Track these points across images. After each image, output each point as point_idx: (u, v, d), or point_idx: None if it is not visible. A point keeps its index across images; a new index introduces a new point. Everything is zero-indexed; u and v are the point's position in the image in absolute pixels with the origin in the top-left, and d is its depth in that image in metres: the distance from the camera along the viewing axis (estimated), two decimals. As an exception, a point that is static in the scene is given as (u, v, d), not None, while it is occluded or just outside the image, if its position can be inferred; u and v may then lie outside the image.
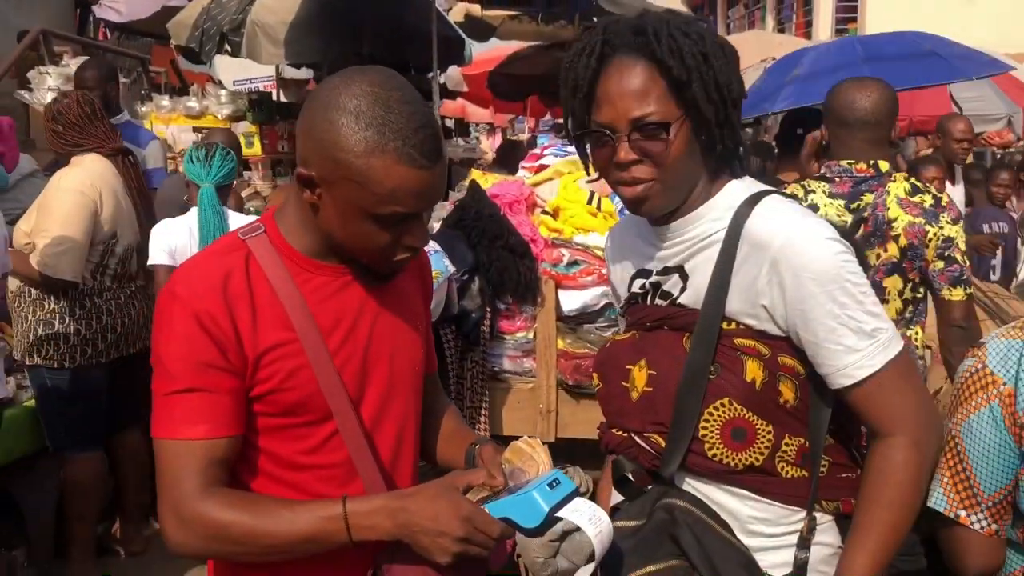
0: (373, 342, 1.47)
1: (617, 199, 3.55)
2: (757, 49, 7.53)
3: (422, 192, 1.32)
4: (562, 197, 3.61)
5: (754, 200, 1.46)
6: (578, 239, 3.48)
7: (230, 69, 10.93)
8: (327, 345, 1.41)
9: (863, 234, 2.61)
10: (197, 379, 1.32)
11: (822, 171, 2.73)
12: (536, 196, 3.74)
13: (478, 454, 1.52)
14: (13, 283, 3.50)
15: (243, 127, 7.46)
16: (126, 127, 4.84)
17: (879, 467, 1.41)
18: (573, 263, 3.45)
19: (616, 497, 1.61)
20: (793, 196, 2.58)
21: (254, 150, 7.42)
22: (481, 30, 8.22)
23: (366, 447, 1.44)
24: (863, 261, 1.48)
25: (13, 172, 4.37)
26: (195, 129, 7.62)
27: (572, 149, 4.21)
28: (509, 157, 7.47)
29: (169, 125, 7.47)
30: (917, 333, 2.73)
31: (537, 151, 4.47)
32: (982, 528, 1.47)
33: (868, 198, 2.63)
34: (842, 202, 2.65)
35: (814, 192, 2.69)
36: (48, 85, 6.53)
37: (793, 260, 1.38)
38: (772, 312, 1.42)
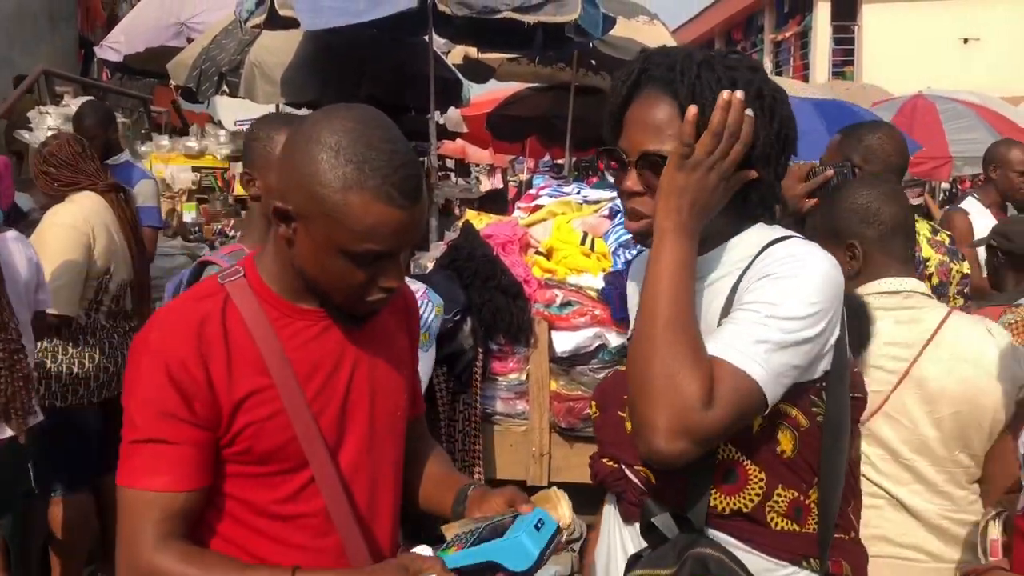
0: (353, 388, 1.45)
1: (611, 239, 3.55)
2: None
3: (399, 231, 1.31)
4: (556, 238, 3.61)
5: (776, 241, 1.42)
6: (571, 280, 3.46)
7: (231, 109, 11.02)
8: (304, 392, 1.38)
9: None
10: (159, 430, 1.31)
11: None
12: (530, 237, 3.73)
13: (473, 496, 1.50)
14: None
15: (242, 167, 7.50)
16: (123, 167, 4.85)
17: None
18: (566, 304, 3.42)
19: (606, 539, 1.57)
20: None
21: (252, 190, 7.44)
22: (479, 72, 8.29)
23: (343, 496, 1.41)
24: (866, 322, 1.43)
25: (8, 210, 4.37)
26: (194, 169, 7.68)
27: (567, 190, 4.25)
28: (492, 205, 7.51)
29: (168, 164, 7.52)
30: None
31: (533, 192, 4.48)
32: None
33: None
34: None
35: None
36: (48, 125, 6.59)
37: (791, 266, 1.34)
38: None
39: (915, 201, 5.28)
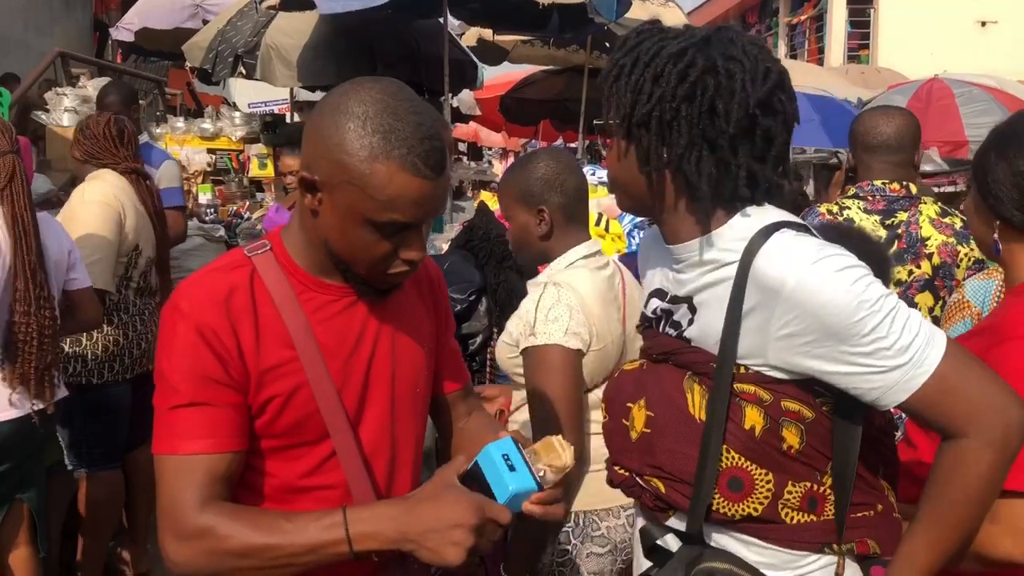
0: (375, 363, 1.46)
1: (625, 220, 3.56)
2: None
3: (422, 202, 1.31)
4: (570, 219, 3.62)
5: (764, 235, 1.35)
6: (586, 261, 3.47)
7: (245, 91, 11.05)
8: (328, 366, 1.40)
9: (897, 250, 2.67)
10: (200, 393, 1.32)
11: (854, 191, 2.77)
12: (545, 218, 3.75)
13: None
14: None
15: (256, 149, 7.53)
16: (142, 148, 4.88)
17: (946, 466, 1.31)
18: (581, 285, 3.44)
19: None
20: (829, 212, 2.71)
21: (267, 171, 7.48)
22: (493, 54, 8.28)
23: (363, 469, 1.43)
24: (888, 278, 1.41)
25: (26, 192, 4.40)
26: (209, 150, 7.71)
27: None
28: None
29: (183, 146, 7.54)
30: None
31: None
32: None
33: (902, 216, 2.69)
34: (877, 218, 2.70)
35: (849, 208, 2.73)
36: (65, 106, 6.62)
37: (809, 302, 1.28)
38: (790, 353, 1.34)
39: (962, 187, 5.01)
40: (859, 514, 1.43)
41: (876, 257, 1.42)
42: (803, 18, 22.14)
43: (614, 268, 2.25)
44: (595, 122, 1.48)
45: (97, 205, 3.44)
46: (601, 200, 3.70)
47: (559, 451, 1.37)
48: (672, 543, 1.46)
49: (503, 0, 5.00)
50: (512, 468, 1.31)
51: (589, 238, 2.24)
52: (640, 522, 1.56)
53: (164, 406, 1.34)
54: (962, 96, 8.14)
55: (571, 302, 2.05)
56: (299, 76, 6.39)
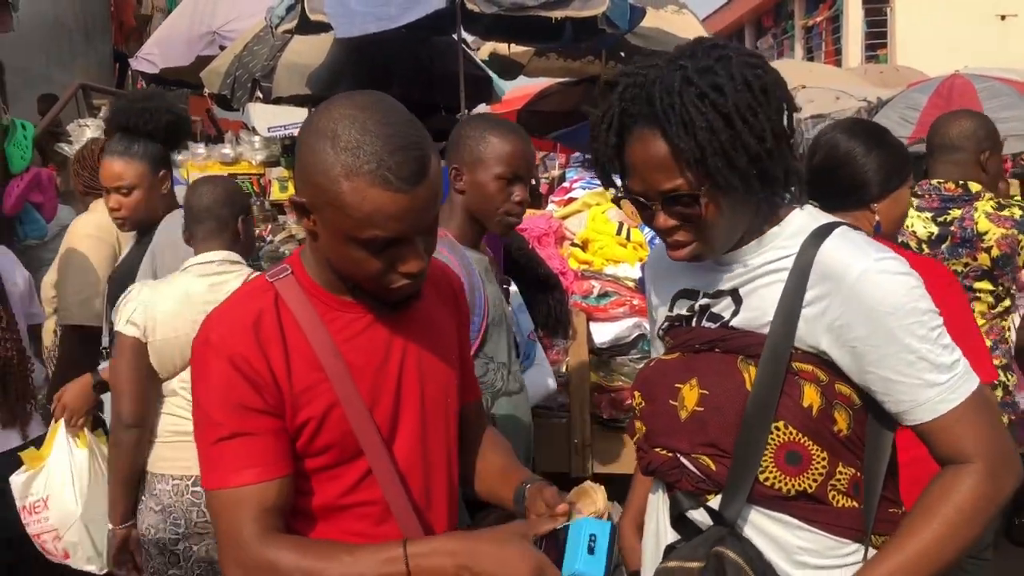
0: (404, 378, 1.46)
1: (647, 228, 3.54)
2: (787, 78, 7.50)
3: (400, 215, 1.29)
4: (591, 229, 3.61)
5: (824, 231, 1.43)
6: (608, 270, 3.46)
7: (264, 116, 11.12)
8: (357, 384, 1.40)
9: (950, 244, 2.86)
10: (240, 423, 1.33)
11: (914, 189, 2.90)
12: (565, 229, 3.74)
13: (530, 495, 1.49)
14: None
15: (276, 172, 7.57)
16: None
17: (945, 485, 1.36)
18: (604, 295, 3.42)
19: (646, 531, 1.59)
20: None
21: (288, 194, 7.52)
22: (508, 68, 8.28)
23: (399, 485, 1.43)
24: None
25: (52, 223, 4.44)
26: (230, 175, 7.77)
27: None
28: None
29: (205, 172, 7.60)
30: (1012, 321, 2.97)
31: (566, 185, 4.48)
32: None
33: (955, 213, 2.87)
34: (929, 215, 2.89)
35: None
36: (88, 137, 6.71)
37: (869, 295, 1.35)
38: (838, 345, 1.39)
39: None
40: (892, 510, 1.47)
41: None
42: (819, 20, 22.04)
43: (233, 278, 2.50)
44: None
45: (87, 239, 3.41)
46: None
47: (592, 495, 1.40)
48: (700, 518, 1.46)
49: (516, 14, 4.99)
50: (591, 552, 1.31)
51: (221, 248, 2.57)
52: (662, 505, 1.55)
53: (207, 440, 1.34)
54: (984, 91, 8.04)
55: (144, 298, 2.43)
56: (306, 82, 6.36)
